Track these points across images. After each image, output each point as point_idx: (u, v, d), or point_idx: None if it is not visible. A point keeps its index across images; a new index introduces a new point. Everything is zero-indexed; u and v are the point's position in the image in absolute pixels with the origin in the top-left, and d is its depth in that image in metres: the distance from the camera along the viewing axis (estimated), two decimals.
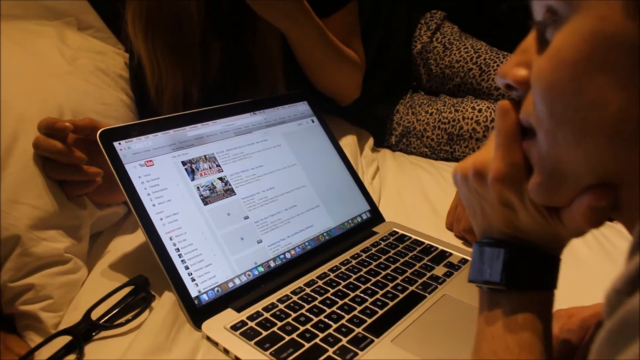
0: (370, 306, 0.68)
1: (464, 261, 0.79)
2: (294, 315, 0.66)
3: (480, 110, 1.13)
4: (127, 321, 0.66)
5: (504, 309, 0.44)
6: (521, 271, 0.44)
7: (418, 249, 0.82)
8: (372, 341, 0.62)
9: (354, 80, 1.13)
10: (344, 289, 0.72)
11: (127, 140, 0.72)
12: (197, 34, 0.97)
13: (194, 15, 0.95)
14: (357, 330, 0.63)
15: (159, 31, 0.95)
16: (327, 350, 0.60)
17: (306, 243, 0.80)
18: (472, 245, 0.48)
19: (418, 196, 1.02)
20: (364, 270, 0.76)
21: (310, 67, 1.07)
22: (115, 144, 0.71)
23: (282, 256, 0.76)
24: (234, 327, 0.64)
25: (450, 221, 0.91)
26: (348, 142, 1.08)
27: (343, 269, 0.76)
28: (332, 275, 0.75)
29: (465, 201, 0.48)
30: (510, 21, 1.45)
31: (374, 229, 0.88)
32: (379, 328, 0.64)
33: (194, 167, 0.75)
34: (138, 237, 0.82)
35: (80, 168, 0.73)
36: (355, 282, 0.73)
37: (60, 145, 0.70)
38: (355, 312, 0.67)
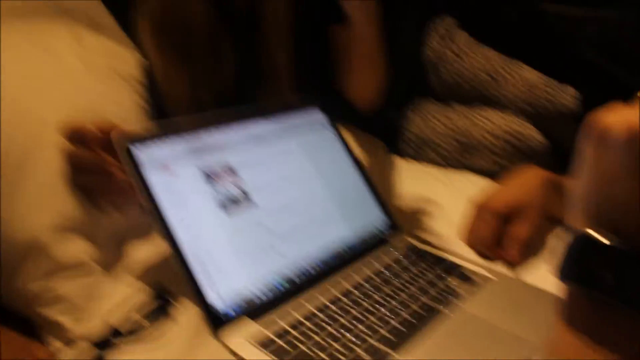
0: (393, 323, 0.68)
1: (480, 275, 0.79)
2: (320, 333, 0.65)
3: (492, 120, 1.13)
4: (148, 330, 0.66)
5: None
6: None
7: (434, 262, 0.82)
8: None
9: (382, 84, 1.13)
10: (367, 305, 0.71)
11: (146, 145, 0.71)
12: (204, 38, 0.96)
13: (199, 19, 0.95)
14: (384, 349, 0.63)
15: (166, 35, 0.95)
16: None
17: (325, 256, 0.79)
18: (577, 236, 0.38)
19: (432, 206, 1.03)
20: (384, 285, 0.76)
21: (356, 67, 1.06)
22: (134, 149, 0.70)
23: (302, 269, 0.76)
24: (255, 341, 0.64)
25: (465, 234, 0.91)
26: (362, 150, 1.08)
27: (361, 280, 0.76)
28: (353, 290, 0.74)
29: (603, 173, 0.36)
30: (520, 28, 1.46)
31: (392, 241, 0.88)
32: (402, 345, 0.64)
33: (213, 175, 0.75)
34: (158, 245, 0.81)
35: (108, 173, 0.72)
36: (377, 297, 0.73)
37: (93, 154, 0.70)
38: (382, 331, 0.66)
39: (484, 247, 0.86)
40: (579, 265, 0.38)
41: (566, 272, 0.39)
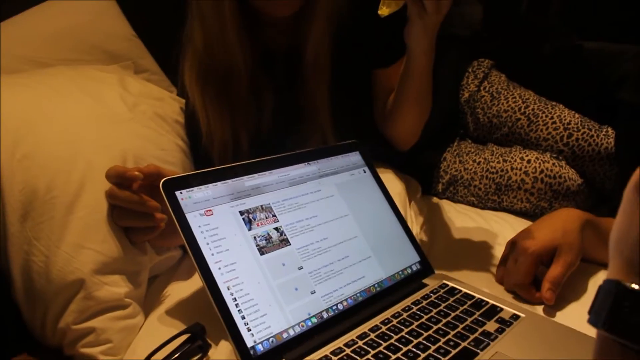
0: None
1: (515, 317, 0.79)
2: None
3: (529, 161, 1.13)
4: None
5: None
6: None
7: (468, 302, 0.82)
8: None
9: (423, 124, 1.13)
10: (396, 343, 0.72)
11: (188, 189, 0.74)
12: (245, 85, 1.00)
13: (242, 66, 0.98)
14: None
15: (210, 80, 0.98)
16: None
17: (358, 294, 0.80)
18: (608, 283, 0.41)
19: (466, 247, 1.03)
20: (415, 323, 0.76)
21: (406, 104, 1.06)
22: (177, 193, 0.73)
23: (335, 307, 0.77)
24: None
25: (500, 275, 0.91)
26: (398, 191, 1.09)
27: (394, 322, 0.77)
28: (384, 329, 0.75)
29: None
30: (554, 63, 1.46)
31: (424, 281, 0.88)
32: None
33: (251, 217, 0.77)
34: (193, 283, 0.84)
35: (150, 215, 0.75)
36: (407, 335, 0.74)
37: (136, 196, 0.73)
38: None
39: (519, 288, 0.85)
40: (612, 312, 0.39)
41: (599, 319, 0.40)
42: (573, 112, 1.20)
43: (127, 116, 0.93)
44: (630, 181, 0.39)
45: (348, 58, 1.05)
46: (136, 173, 0.73)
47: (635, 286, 0.38)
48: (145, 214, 0.75)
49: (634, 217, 0.39)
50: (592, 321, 0.40)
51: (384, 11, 0.88)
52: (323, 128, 1.06)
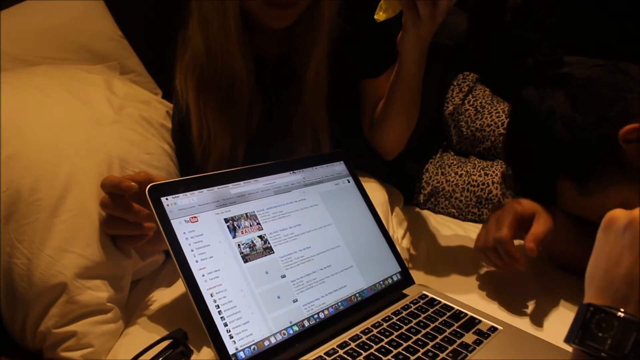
0: None
1: (493, 329, 0.80)
2: None
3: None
4: None
5: None
6: None
7: (447, 314, 0.83)
8: None
9: (410, 132, 1.14)
10: (376, 353, 0.73)
11: (174, 196, 0.74)
12: (246, 95, 0.99)
13: (244, 75, 0.97)
14: None
15: (211, 92, 0.97)
16: None
17: (339, 303, 0.81)
18: (582, 307, 0.48)
19: (447, 257, 1.04)
20: (395, 334, 0.77)
21: (396, 110, 1.07)
22: (163, 199, 0.73)
23: (316, 316, 0.78)
24: None
25: (481, 236, 0.92)
26: (380, 201, 1.10)
27: (375, 331, 0.78)
28: (364, 338, 0.76)
29: (609, 253, 0.48)
30: (535, 76, 1.48)
31: (404, 291, 0.89)
32: None
33: (235, 225, 0.77)
34: (176, 289, 0.84)
35: (140, 223, 0.75)
36: (386, 345, 0.75)
37: (130, 206, 0.73)
38: None
39: (500, 243, 0.86)
40: (583, 329, 0.47)
41: (572, 336, 0.47)
42: None
43: (113, 119, 0.92)
44: (601, 224, 0.49)
45: (338, 69, 1.05)
46: (132, 184, 0.73)
47: (603, 306, 0.46)
48: (135, 223, 0.75)
49: (602, 253, 0.48)
50: (567, 339, 0.48)
51: (380, 16, 0.89)
52: (319, 140, 1.05)
